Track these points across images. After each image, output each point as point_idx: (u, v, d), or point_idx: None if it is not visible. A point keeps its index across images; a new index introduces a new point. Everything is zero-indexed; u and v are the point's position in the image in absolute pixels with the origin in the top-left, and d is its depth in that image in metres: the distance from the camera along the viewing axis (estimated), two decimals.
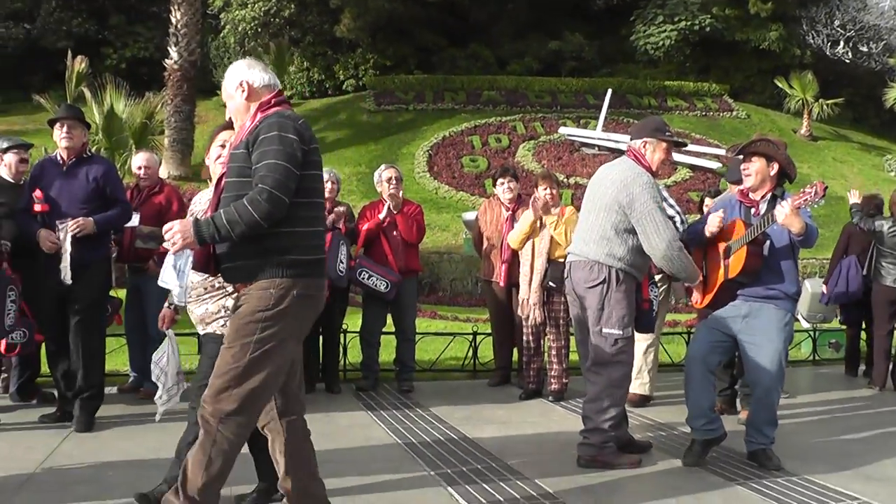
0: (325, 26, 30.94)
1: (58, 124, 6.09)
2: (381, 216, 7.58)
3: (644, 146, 5.30)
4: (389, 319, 7.85)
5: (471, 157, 23.46)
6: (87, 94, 20.36)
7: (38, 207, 5.89)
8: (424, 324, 10.53)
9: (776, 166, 5.32)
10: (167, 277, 3.98)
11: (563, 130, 24.79)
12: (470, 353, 8.45)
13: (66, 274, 5.74)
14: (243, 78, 3.82)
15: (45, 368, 6.62)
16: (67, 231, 5.76)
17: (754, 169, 5.32)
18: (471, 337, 8.47)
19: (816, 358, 9.94)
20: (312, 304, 3.72)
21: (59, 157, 6.11)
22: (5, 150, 6.76)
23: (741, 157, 5.50)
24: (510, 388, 7.71)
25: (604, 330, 5.11)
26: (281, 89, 3.94)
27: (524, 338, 7.37)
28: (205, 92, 28.76)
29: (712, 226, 5.39)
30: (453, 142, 24.59)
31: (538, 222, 7.15)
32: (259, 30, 29.63)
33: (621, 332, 5.10)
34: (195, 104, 24.14)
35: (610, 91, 25.77)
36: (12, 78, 31.68)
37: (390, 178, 7.71)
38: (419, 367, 8.09)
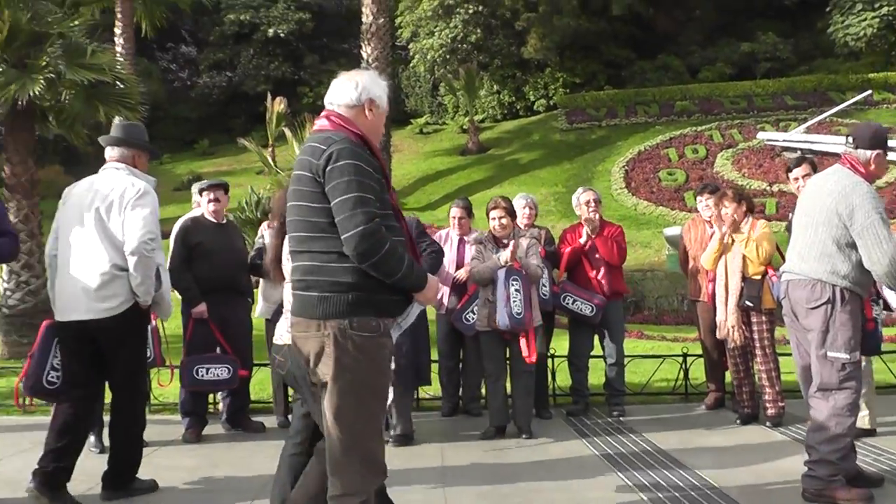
0: (512, 48, 31.26)
1: None
2: (581, 241, 7.53)
3: (874, 159, 4.98)
4: (597, 342, 7.77)
5: (668, 170, 23.08)
6: (288, 133, 21.29)
7: None
8: (632, 345, 10.37)
9: None
10: None
11: (761, 136, 23.98)
12: (681, 376, 8.23)
13: None
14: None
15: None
16: None
17: None
18: (681, 359, 8.25)
19: None
20: None
21: None
22: (200, 192, 7.16)
23: None
24: (725, 413, 7.46)
25: (829, 354, 4.82)
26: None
27: (731, 360, 7.13)
28: (398, 122, 29.59)
29: None
30: (649, 156, 24.28)
31: (727, 240, 6.91)
32: (447, 56, 30.20)
33: (848, 356, 4.80)
34: (390, 134, 24.89)
35: (870, 92, 24.86)
36: (218, 123, 33.83)
37: (588, 202, 7.66)
38: (629, 391, 7.98)
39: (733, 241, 6.88)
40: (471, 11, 29.77)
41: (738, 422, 7.03)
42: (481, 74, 30.90)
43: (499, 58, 31.76)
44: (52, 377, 5.29)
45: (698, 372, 8.09)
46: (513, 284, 6.53)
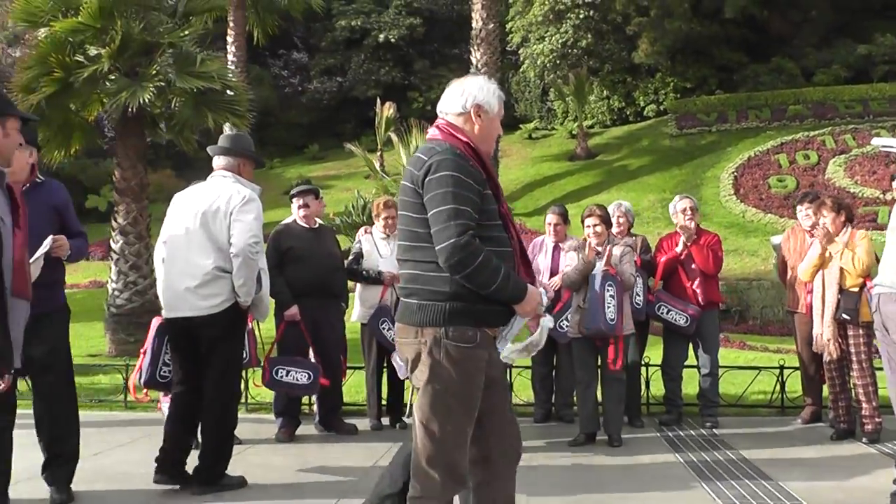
0: (622, 53, 30.91)
1: None
2: (678, 249, 7.48)
3: None
4: (692, 351, 7.69)
5: (778, 176, 22.51)
6: (394, 138, 21.51)
7: None
8: (732, 355, 10.21)
9: None
10: None
11: (875, 142, 23.10)
12: (777, 388, 8.08)
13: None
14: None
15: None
16: (45, 246, 4.75)
17: None
18: (778, 371, 8.09)
19: None
20: None
21: None
22: (291, 198, 7.36)
23: None
24: (821, 428, 7.29)
25: None
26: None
27: (827, 374, 6.98)
28: (507, 126, 29.57)
29: None
30: (759, 162, 23.72)
31: (826, 252, 6.76)
32: (558, 62, 29.97)
33: None
34: (498, 139, 24.87)
35: None
36: (327, 127, 34.42)
37: (685, 209, 7.62)
38: (724, 402, 7.89)
39: (831, 255, 6.72)
40: (581, 16, 29.56)
41: (833, 437, 6.87)
42: (591, 80, 30.61)
43: (609, 63, 31.44)
44: (164, 371, 5.69)
45: (796, 385, 7.93)
46: (608, 290, 6.57)
